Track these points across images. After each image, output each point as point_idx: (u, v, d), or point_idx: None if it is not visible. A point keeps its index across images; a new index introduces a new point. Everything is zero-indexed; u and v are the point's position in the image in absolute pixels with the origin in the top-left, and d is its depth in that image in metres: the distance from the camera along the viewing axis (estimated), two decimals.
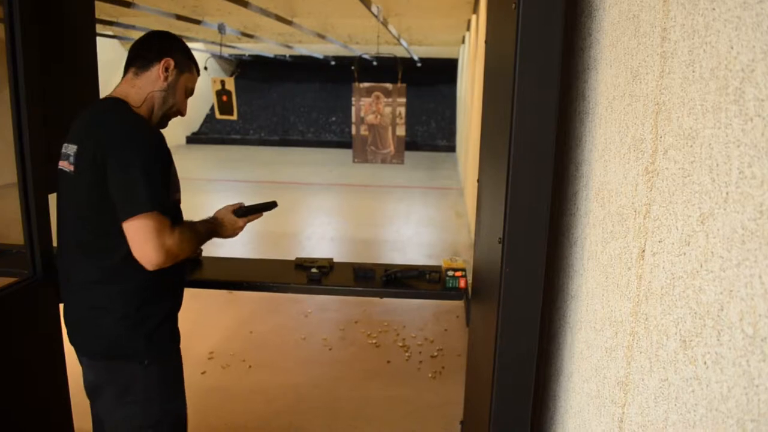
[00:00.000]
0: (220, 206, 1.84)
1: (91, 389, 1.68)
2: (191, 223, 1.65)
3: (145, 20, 7.96)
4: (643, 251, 0.83)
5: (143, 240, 1.44)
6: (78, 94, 2.14)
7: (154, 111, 1.63)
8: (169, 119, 1.70)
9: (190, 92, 1.71)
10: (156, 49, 1.63)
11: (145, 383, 1.58)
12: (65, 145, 1.58)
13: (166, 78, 1.62)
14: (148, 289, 1.56)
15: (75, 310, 1.62)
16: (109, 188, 1.45)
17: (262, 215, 1.86)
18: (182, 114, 1.71)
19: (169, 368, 1.65)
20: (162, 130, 1.62)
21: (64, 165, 1.57)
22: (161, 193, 1.48)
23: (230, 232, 1.80)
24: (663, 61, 0.79)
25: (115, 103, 1.57)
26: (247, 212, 1.82)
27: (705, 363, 0.63)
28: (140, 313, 1.56)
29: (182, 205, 1.68)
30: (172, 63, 1.63)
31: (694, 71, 0.70)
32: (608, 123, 1.02)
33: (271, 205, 1.88)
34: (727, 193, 0.60)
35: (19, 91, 1.85)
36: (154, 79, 1.61)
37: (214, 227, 1.76)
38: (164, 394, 1.63)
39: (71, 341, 1.65)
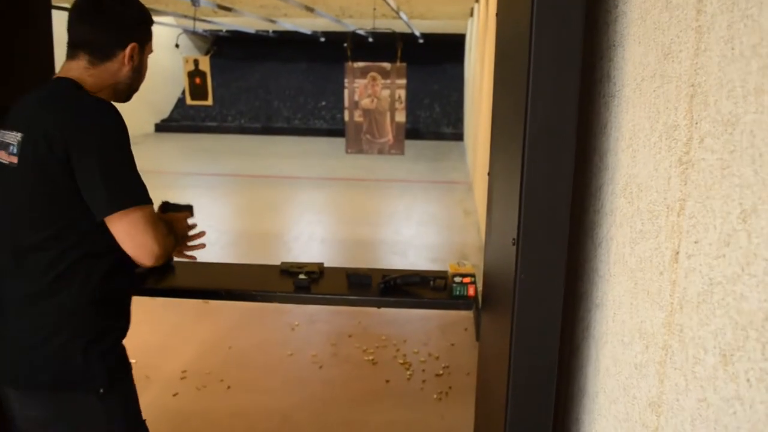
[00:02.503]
0: (194, 203, 1.85)
1: (35, 427, 1.56)
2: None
3: None
4: (677, 253, 0.84)
5: (142, 232, 1.45)
6: (31, 75, 2.13)
7: (116, 95, 1.61)
8: (134, 92, 1.68)
9: (150, 52, 1.68)
10: (118, 34, 1.56)
11: (105, 417, 1.52)
12: (2, 133, 1.51)
13: (132, 65, 1.59)
14: (105, 299, 1.52)
15: (9, 334, 1.51)
16: (80, 179, 1.42)
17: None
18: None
19: (128, 395, 1.60)
20: (124, 118, 1.58)
21: (2, 156, 1.50)
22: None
23: None
24: (698, 36, 0.79)
25: (70, 85, 1.51)
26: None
27: (748, 380, 0.64)
28: (98, 329, 1.51)
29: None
30: (137, 46, 1.58)
31: (733, 48, 0.70)
32: (637, 107, 1.03)
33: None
34: None
35: None
36: (117, 69, 1.57)
37: None
38: (129, 426, 1.59)
39: (2, 373, 1.53)
